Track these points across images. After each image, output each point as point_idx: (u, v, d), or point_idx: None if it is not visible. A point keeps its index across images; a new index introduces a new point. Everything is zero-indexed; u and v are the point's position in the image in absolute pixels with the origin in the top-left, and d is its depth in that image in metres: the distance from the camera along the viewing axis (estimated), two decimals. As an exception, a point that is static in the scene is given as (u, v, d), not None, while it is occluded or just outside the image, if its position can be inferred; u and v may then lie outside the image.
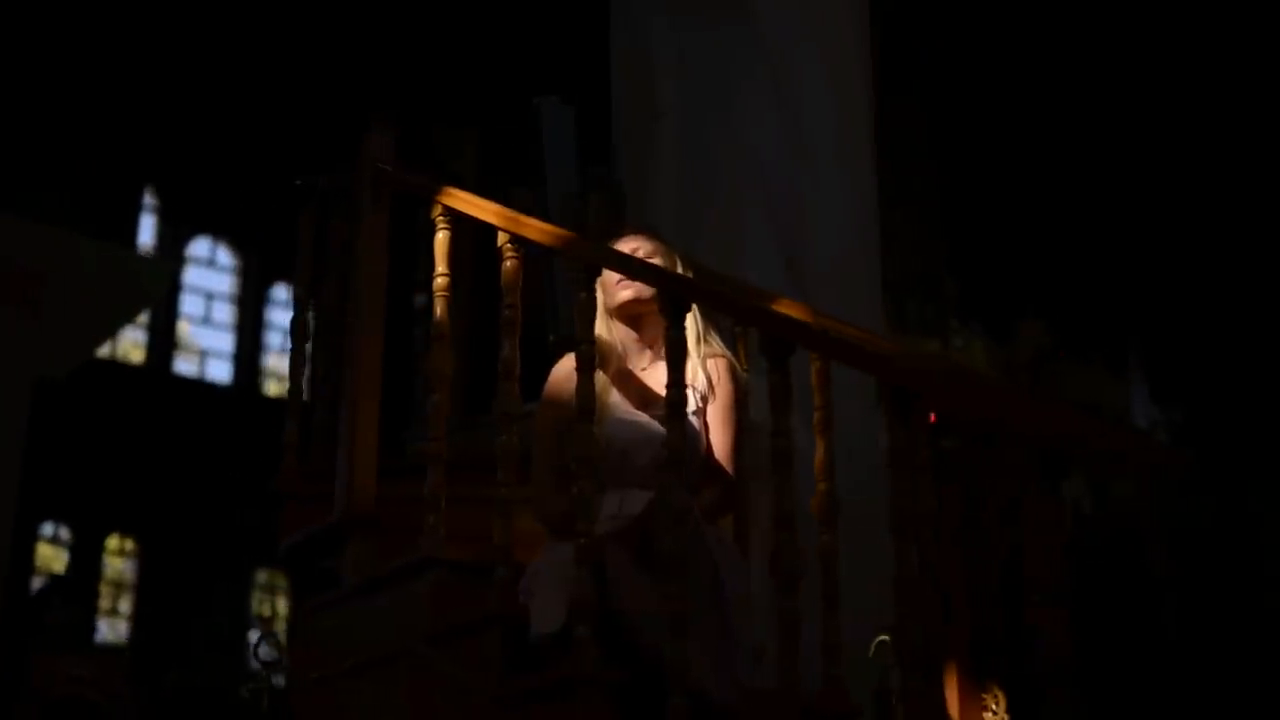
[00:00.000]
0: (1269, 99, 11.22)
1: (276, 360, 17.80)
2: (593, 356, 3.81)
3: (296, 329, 4.96)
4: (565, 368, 4.31)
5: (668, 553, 3.47)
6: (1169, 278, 11.73)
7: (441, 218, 4.30)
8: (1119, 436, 3.57)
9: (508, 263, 4.06)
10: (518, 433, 3.97)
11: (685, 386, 3.61)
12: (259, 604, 16.32)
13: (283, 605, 16.17)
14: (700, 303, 3.64)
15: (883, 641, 4.37)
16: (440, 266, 4.27)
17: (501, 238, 4.09)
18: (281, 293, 18.18)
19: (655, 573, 3.75)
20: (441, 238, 4.29)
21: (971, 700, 4.10)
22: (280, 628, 15.45)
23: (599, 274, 3.91)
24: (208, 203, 17.46)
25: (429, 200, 4.36)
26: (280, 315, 18.02)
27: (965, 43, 10.19)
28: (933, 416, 5.72)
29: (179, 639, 14.90)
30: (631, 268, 3.86)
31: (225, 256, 18.42)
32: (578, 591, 3.58)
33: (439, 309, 4.24)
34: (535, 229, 4.05)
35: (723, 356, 4.24)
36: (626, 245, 4.15)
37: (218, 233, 18.20)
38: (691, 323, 4.23)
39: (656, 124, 5.04)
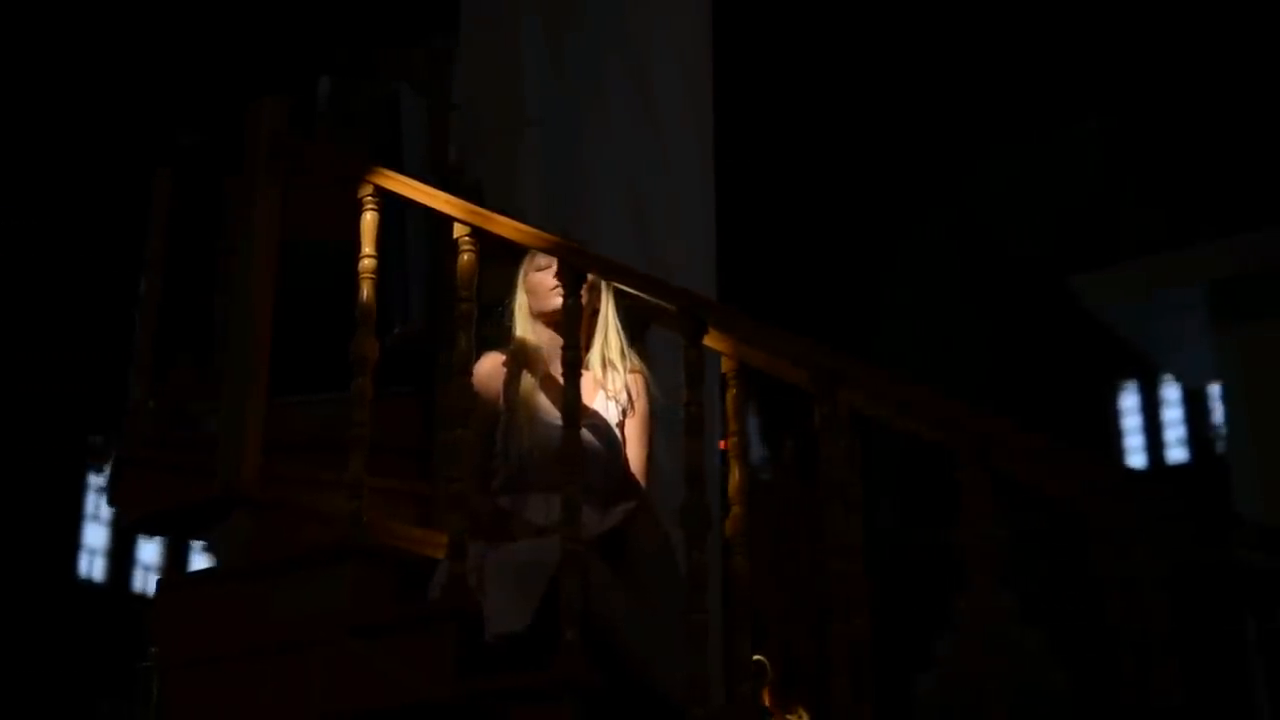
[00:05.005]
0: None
1: None
2: (578, 362, 3.81)
3: (148, 291, 4.70)
4: (489, 364, 4.26)
5: (694, 566, 3.52)
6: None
7: (370, 198, 4.20)
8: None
9: (464, 255, 3.99)
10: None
11: (699, 404, 3.65)
12: None
13: None
14: (718, 325, 3.69)
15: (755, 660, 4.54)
16: (366, 248, 4.16)
17: (459, 230, 4.02)
18: None
19: (627, 576, 3.82)
20: (369, 219, 4.19)
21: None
22: None
23: (585, 280, 3.90)
24: None
25: (357, 179, 4.23)
26: None
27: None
28: (722, 444, 5.92)
29: None
30: (644, 280, 3.87)
31: None
32: (567, 594, 3.57)
33: (365, 291, 4.13)
34: (509, 228, 3.99)
35: (640, 373, 4.30)
36: (545, 258, 4.14)
37: None
38: (615, 338, 4.29)
39: (528, 129, 4.99)
